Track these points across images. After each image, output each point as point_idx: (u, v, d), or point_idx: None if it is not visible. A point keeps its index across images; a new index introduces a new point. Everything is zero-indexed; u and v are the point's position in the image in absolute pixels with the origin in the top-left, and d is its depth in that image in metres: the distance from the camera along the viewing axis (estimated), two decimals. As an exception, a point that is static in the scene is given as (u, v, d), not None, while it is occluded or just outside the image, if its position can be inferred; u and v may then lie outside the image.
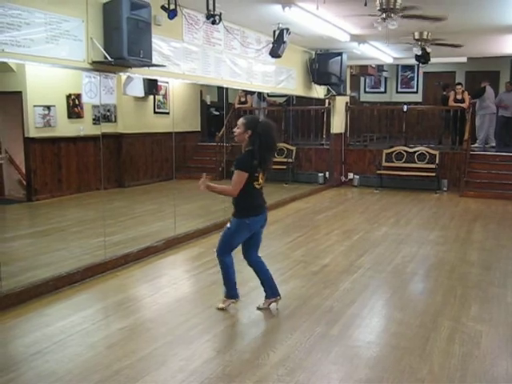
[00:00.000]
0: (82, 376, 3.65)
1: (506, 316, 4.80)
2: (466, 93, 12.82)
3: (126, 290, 5.61)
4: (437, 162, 12.09)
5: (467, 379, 3.62)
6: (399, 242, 7.53)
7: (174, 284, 5.68)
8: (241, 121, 4.64)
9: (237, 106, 14.22)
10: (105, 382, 3.57)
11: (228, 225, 4.77)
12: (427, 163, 12.16)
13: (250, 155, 4.52)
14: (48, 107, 10.10)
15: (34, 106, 9.87)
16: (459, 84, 13.35)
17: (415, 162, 12.33)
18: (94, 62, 5.70)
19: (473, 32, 8.96)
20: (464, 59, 12.61)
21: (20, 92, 9.71)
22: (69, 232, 7.77)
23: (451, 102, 12.93)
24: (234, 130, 4.67)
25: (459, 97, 12.78)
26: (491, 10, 7.37)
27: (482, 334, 4.38)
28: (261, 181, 4.64)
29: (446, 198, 11.55)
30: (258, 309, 4.89)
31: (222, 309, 4.86)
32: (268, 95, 14.03)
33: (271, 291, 4.88)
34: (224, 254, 4.77)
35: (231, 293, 4.87)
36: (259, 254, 4.92)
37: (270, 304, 4.90)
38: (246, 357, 3.94)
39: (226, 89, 10.10)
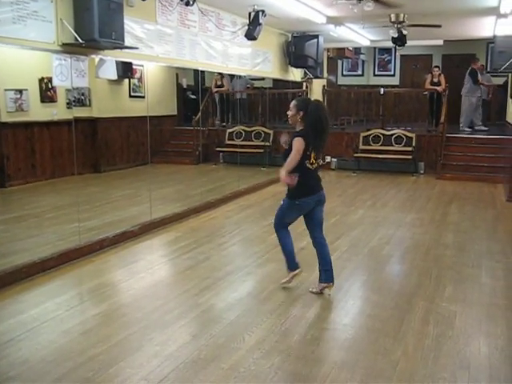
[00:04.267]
0: (56, 363, 3.61)
1: (480, 296, 4.85)
2: (442, 76, 12.85)
3: (102, 275, 5.55)
4: (413, 144, 12.14)
5: (441, 360, 3.65)
6: (376, 224, 7.56)
7: (149, 269, 5.64)
8: (293, 103, 4.69)
9: (214, 89, 14.11)
10: (79, 368, 3.53)
11: (282, 201, 4.83)
12: (404, 146, 12.20)
13: (303, 131, 4.58)
14: (20, 91, 9.90)
15: (5, 89, 9.66)
16: (436, 67, 13.39)
17: (392, 145, 12.36)
18: (64, 44, 5.57)
19: (449, 14, 8.98)
20: (440, 42, 12.65)
21: (-10, 76, 9.49)
22: (43, 218, 7.66)
23: (427, 85, 12.96)
24: (288, 112, 4.69)
25: (436, 80, 12.81)
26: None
27: (456, 314, 4.42)
28: (313, 160, 4.64)
29: (423, 180, 11.62)
30: (311, 291, 4.87)
31: (286, 282, 4.91)
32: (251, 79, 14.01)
33: (325, 276, 4.83)
34: (279, 227, 4.88)
35: (290, 265, 4.89)
36: (323, 236, 4.92)
37: (322, 289, 4.84)
38: (222, 341, 3.93)
39: (202, 72, 9.99)
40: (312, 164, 4.66)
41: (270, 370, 3.49)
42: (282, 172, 4.54)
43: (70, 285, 5.34)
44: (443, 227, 7.43)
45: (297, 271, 4.92)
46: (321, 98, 13.46)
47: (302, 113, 4.60)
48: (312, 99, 4.74)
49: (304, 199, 4.70)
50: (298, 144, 4.52)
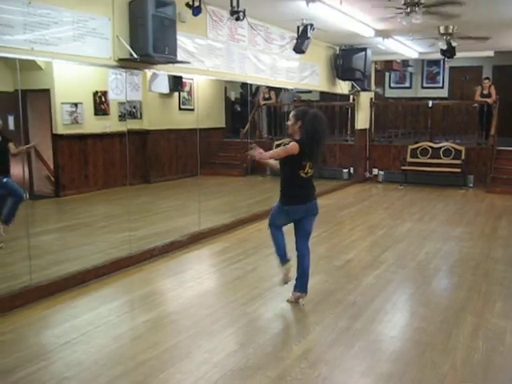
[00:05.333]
0: (108, 366, 3.74)
1: (531, 312, 4.76)
2: (492, 87, 12.63)
3: (151, 283, 5.70)
4: (462, 157, 11.96)
5: (490, 375, 3.61)
6: (423, 237, 7.49)
7: (198, 278, 5.75)
8: (292, 113, 4.76)
9: (262, 102, 14.25)
10: (130, 372, 3.65)
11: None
12: (453, 159, 12.05)
13: (302, 139, 4.62)
14: (75, 104, 10.26)
15: (62, 103, 10.03)
16: (487, 78, 13.17)
17: (441, 158, 12.22)
18: (119, 60, 5.79)
19: (498, 25, 8.85)
20: (491, 53, 12.45)
21: (48, 89, 9.88)
22: (95, 227, 7.90)
23: (477, 97, 12.76)
24: (287, 122, 4.78)
25: (486, 91, 12.61)
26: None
27: (507, 330, 4.35)
28: (308, 170, 4.68)
29: (472, 194, 11.43)
30: (287, 301, 4.94)
31: (283, 280, 4.96)
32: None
33: (300, 285, 4.90)
34: (271, 225, 4.93)
35: (281, 259, 4.93)
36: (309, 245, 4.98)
37: (296, 298, 4.91)
38: (269, 350, 3.99)
39: (251, 85, 10.12)
40: (306, 173, 4.70)
41: (317, 380, 3.53)
42: (259, 154, 4.57)
43: (121, 292, 5.50)
44: (493, 241, 7.30)
45: (287, 264, 4.92)
46: (368, 111, 13.46)
47: (300, 122, 4.62)
48: (311, 110, 4.75)
49: (293, 207, 4.75)
50: (292, 146, 4.57)
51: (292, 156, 4.57)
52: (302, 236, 4.90)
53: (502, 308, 4.85)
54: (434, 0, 6.81)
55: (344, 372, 3.67)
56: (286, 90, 14.54)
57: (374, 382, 3.53)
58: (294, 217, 4.80)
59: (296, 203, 4.75)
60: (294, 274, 4.94)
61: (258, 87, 14.06)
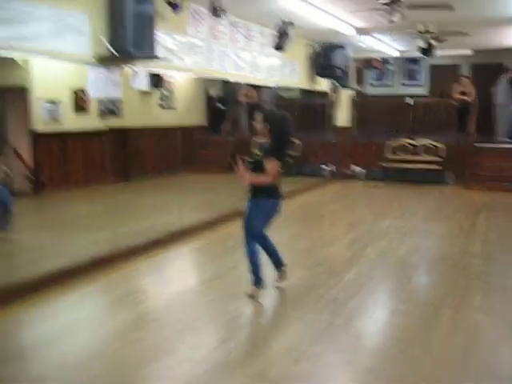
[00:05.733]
0: (89, 365, 3.71)
1: (508, 306, 4.84)
2: (471, 85, 12.76)
3: (132, 281, 5.68)
4: (442, 154, 12.08)
5: (469, 369, 3.66)
6: (403, 234, 7.56)
7: (179, 276, 5.74)
8: (259, 115, 4.85)
9: (243, 99, 14.23)
10: (111, 370, 3.63)
11: (249, 211, 4.91)
12: (432, 156, 12.16)
13: (274, 146, 4.71)
14: (54, 102, 10.16)
15: (41, 100, 9.93)
16: (465, 76, 13.30)
17: (420, 155, 12.33)
18: (98, 56, 5.75)
19: (477, 24, 8.99)
20: (469, 51, 12.59)
21: (27, 87, 9.77)
22: (75, 225, 7.82)
23: (455, 95, 12.89)
24: (254, 123, 4.87)
25: (465, 89, 12.73)
26: (495, 1, 7.38)
27: (485, 323, 4.41)
28: (280, 169, 4.79)
29: (451, 190, 11.55)
30: (277, 287, 5.05)
31: (249, 295, 4.92)
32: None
33: (277, 261, 5.11)
34: (250, 239, 4.91)
35: (259, 281, 4.91)
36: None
37: (284, 275, 5.12)
38: (251, 346, 4.00)
39: (231, 82, 10.12)
40: (278, 172, 4.81)
41: (299, 375, 3.54)
42: (248, 177, 4.72)
43: (102, 290, 5.46)
44: (471, 237, 7.39)
45: (262, 288, 4.93)
46: (349, 109, 13.52)
47: (268, 125, 4.75)
48: (278, 112, 4.96)
49: (273, 200, 4.86)
50: (274, 168, 4.69)
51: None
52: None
53: (481, 302, 4.92)
54: (423, 3, 6.88)
55: (325, 367, 3.69)
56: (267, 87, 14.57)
57: (355, 376, 3.55)
58: (273, 212, 4.88)
59: (275, 197, 4.87)
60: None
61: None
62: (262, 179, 4.75)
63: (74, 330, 4.32)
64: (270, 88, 14.14)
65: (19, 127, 9.99)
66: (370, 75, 18.33)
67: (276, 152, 4.70)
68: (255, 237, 4.90)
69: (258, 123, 4.81)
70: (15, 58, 8.78)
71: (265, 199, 4.82)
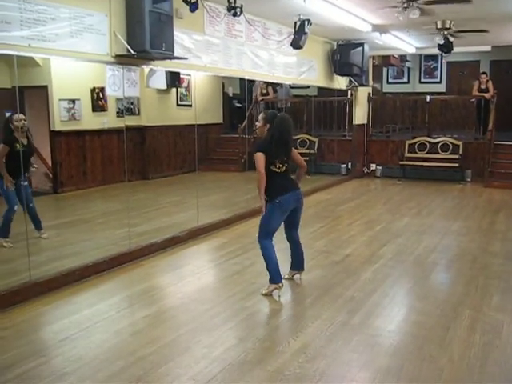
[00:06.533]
0: (108, 361, 3.75)
1: (528, 306, 4.79)
2: (490, 82, 12.64)
3: (150, 279, 5.72)
4: (460, 152, 11.98)
5: (487, 368, 3.64)
6: (421, 232, 7.52)
7: (196, 273, 5.77)
8: (261, 115, 5.03)
9: (259, 98, 14.25)
10: (129, 367, 3.67)
11: (263, 210, 4.96)
12: (450, 154, 12.07)
13: (263, 141, 4.89)
14: (73, 101, 10.26)
15: (60, 99, 10.03)
16: (484, 73, 13.18)
17: (438, 153, 12.24)
18: (117, 56, 5.79)
19: (496, 20, 8.85)
20: (488, 48, 12.45)
21: (46, 86, 9.87)
22: (94, 223, 7.92)
23: (475, 92, 12.78)
24: (256, 123, 5.02)
25: (483, 86, 12.62)
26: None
27: (504, 323, 4.37)
28: (279, 165, 4.90)
29: (470, 188, 11.45)
30: (283, 279, 5.07)
31: (265, 293, 4.96)
32: (290, 86, 14.08)
33: (298, 264, 5.31)
34: (263, 238, 4.98)
35: (274, 278, 4.95)
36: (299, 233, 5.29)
37: (293, 275, 5.31)
38: (267, 344, 4.01)
39: (248, 81, 10.11)
40: (279, 168, 4.90)
41: (316, 374, 3.55)
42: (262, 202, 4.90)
43: (121, 287, 5.51)
44: (490, 236, 7.33)
45: (280, 284, 4.96)
46: (366, 106, 13.47)
47: (268, 125, 4.88)
48: (279, 113, 5.06)
49: (282, 197, 4.87)
50: (258, 158, 4.79)
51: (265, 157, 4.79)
52: (293, 227, 5.21)
53: (500, 302, 4.88)
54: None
55: (342, 366, 3.70)
56: (281, 85, 14.59)
57: (372, 375, 3.55)
58: (288, 208, 4.94)
59: (284, 193, 4.89)
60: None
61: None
62: (258, 185, 4.87)
63: (93, 327, 4.36)
64: (286, 86, 14.18)
65: (38, 126, 10.09)
66: (387, 72, 18.24)
67: (264, 149, 4.79)
68: (267, 234, 4.97)
69: (259, 122, 4.97)
70: (35, 58, 8.87)
71: (272, 199, 4.88)
